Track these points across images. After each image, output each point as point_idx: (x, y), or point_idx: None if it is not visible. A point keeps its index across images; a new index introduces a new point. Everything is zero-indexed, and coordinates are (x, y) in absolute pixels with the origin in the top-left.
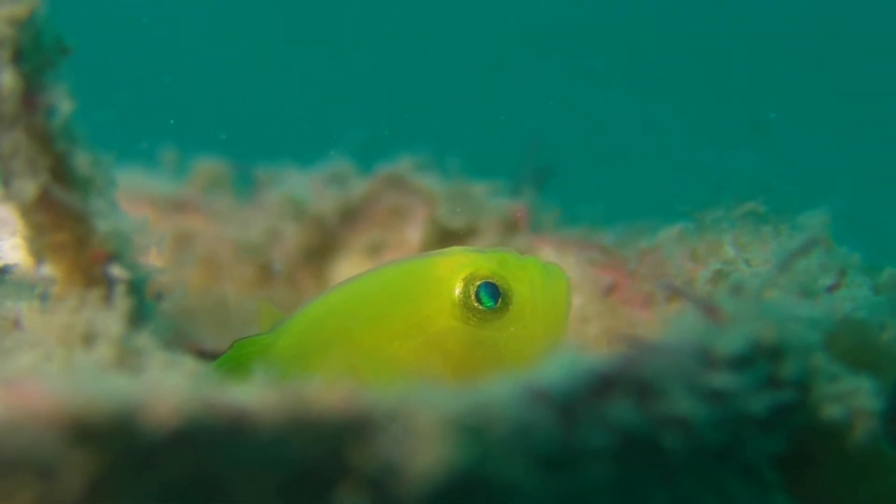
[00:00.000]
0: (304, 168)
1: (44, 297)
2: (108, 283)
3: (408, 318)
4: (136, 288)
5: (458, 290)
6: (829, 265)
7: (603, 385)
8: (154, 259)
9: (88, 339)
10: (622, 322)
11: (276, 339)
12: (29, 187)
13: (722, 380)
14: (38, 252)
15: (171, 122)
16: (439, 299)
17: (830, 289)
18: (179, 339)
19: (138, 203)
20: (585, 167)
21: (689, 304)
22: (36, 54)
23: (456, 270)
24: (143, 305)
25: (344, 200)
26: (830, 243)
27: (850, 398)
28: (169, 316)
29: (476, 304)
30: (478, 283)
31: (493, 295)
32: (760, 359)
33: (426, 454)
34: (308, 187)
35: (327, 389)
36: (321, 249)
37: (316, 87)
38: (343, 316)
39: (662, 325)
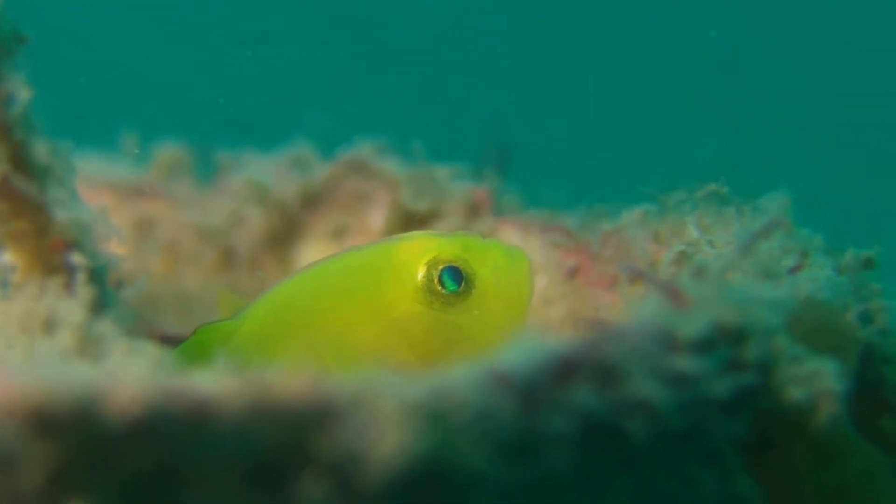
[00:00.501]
0: (266, 153)
1: (4, 286)
2: (69, 271)
3: (371, 303)
4: (97, 275)
5: (420, 275)
6: (791, 247)
7: (565, 369)
8: (115, 246)
9: (49, 326)
10: (586, 304)
11: (238, 325)
12: None
13: (685, 363)
14: None
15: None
16: (402, 283)
17: (793, 270)
18: (142, 326)
19: (99, 189)
20: (548, 151)
21: (652, 287)
22: None
23: (419, 254)
24: (105, 293)
25: (306, 185)
26: (791, 225)
27: (814, 380)
28: (131, 302)
29: (439, 288)
30: (441, 266)
31: (455, 278)
32: (723, 342)
33: (388, 441)
34: (270, 172)
35: (289, 377)
36: (284, 234)
37: (277, 72)
38: (306, 301)
39: (626, 307)
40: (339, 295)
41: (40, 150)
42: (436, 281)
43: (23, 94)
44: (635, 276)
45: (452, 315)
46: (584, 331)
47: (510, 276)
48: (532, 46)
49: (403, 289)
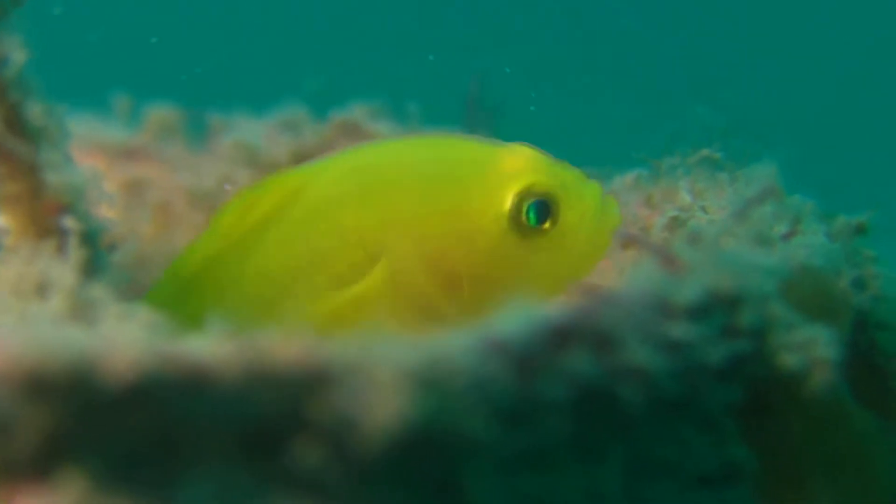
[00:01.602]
0: (258, 115)
1: None
2: (62, 235)
3: (450, 208)
4: (90, 239)
5: (509, 201)
6: (784, 213)
7: (560, 336)
8: (107, 209)
9: (42, 290)
10: None
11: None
12: None
13: (680, 330)
14: None
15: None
16: (489, 201)
17: (786, 237)
18: (134, 289)
19: (91, 152)
20: (541, 113)
21: (646, 252)
22: None
23: (514, 176)
24: (97, 256)
25: (298, 147)
26: (782, 192)
27: (808, 348)
28: (123, 266)
29: (524, 220)
30: (532, 199)
31: (542, 215)
32: (718, 308)
33: (384, 407)
34: (261, 134)
35: (285, 342)
36: None
37: (270, 34)
38: (385, 176)
39: (619, 273)
40: (419, 188)
41: (35, 112)
42: (523, 212)
43: (17, 56)
44: (628, 240)
45: (524, 247)
46: (578, 297)
47: (592, 229)
48: (524, 7)
49: (489, 205)
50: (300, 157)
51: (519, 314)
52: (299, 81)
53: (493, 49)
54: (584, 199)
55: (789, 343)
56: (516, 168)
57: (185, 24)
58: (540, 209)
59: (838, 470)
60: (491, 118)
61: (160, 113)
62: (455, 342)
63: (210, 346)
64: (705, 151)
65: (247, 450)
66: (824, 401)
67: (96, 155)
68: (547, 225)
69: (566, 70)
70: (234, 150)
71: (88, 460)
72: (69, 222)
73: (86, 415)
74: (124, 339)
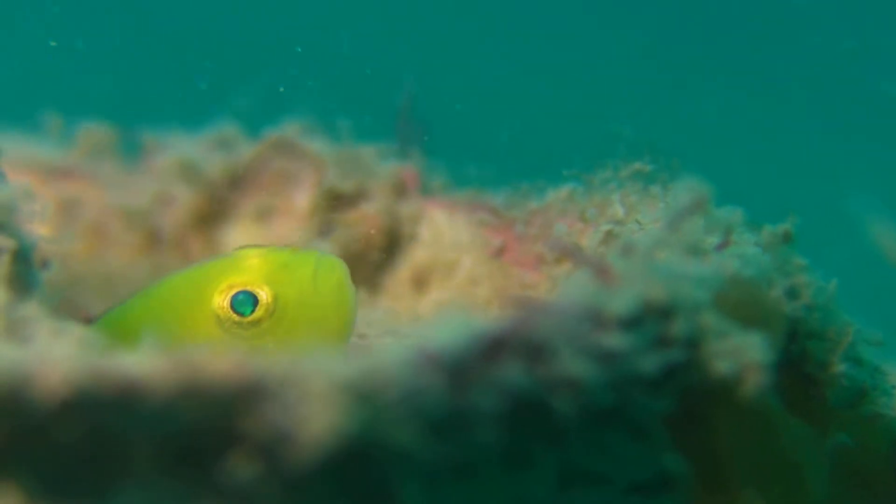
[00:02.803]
0: (191, 133)
1: None
2: None
3: (181, 327)
4: (22, 256)
5: (215, 300)
6: (715, 224)
7: (493, 348)
8: (39, 227)
9: None
10: (512, 284)
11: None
12: None
13: (612, 340)
14: None
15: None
16: (203, 308)
17: (719, 247)
18: (66, 307)
19: (22, 170)
20: (475, 127)
21: (580, 264)
22: None
23: (216, 279)
24: (30, 274)
25: (232, 165)
26: (709, 203)
27: (739, 353)
28: (56, 284)
29: (232, 314)
30: (232, 291)
31: (246, 303)
32: (650, 318)
33: (318, 420)
34: (195, 152)
35: (218, 357)
36: (210, 215)
37: (201, 50)
38: (137, 316)
39: (552, 286)
40: (161, 317)
41: None
42: (227, 306)
43: None
44: (562, 252)
45: (255, 339)
46: (511, 309)
47: (318, 292)
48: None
49: (205, 313)
50: (235, 175)
51: (452, 326)
52: (228, 98)
53: (428, 60)
54: (294, 270)
55: (721, 350)
56: (215, 273)
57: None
58: (243, 298)
59: (770, 478)
60: (422, 132)
61: (92, 131)
62: (388, 355)
63: (143, 361)
64: (637, 165)
65: (180, 463)
66: (755, 409)
67: (29, 174)
68: (259, 311)
69: (499, 83)
70: (168, 167)
71: (22, 475)
72: (0, 240)
73: (20, 431)
74: (57, 354)
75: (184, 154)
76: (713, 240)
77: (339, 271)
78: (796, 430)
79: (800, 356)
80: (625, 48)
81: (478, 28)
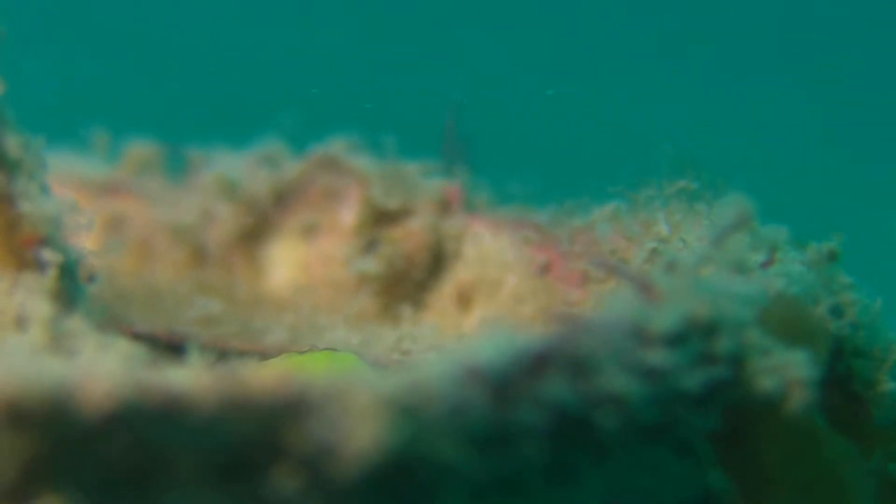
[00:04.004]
0: (237, 150)
1: None
2: (40, 267)
3: None
4: (68, 271)
5: None
6: (761, 242)
7: (537, 363)
8: (86, 242)
9: (20, 322)
10: (557, 301)
11: None
12: None
13: (656, 357)
14: None
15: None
16: None
17: (764, 265)
18: (112, 322)
19: (70, 187)
20: (521, 145)
21: (624, 281)
22: None
23: None
24: (76, 288)
25: (277, 182)
26: (755, 221)
27: (784, 370)
28: (102, 299)
29: None
30: None
31: None
32: (695, 335)
33: (362, 434)
34: (241, 169)
35: (263, 372)
36: (254, 231)
37: (249, 69)
38: None
39: (597, 303)
40: None
41: (11, 144)
42: None
43: None
44: (606, 269)
45: None
46: (555, 325)
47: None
48: (499, 34)
49: None
50: (280, 192)
51: (496, 341)
52: (275, 115)
53: (472, 76)
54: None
55: (766, 367)
56: None
57: (160, 59)
58: None
59: (814, 495)
60: (468, 149)
61: (139, 148)
62: (432, 369)
63: (188, 376)
64: (682, 182)
65: (224, 477)
66: (800, 426)
67: (76, 190)
68: None
69: (544, 99)
70: (213, 184)
71: (67, 488)
72: (47, 254)
73: (64, 444)
74: (102, 369)
75: (225, 172)
76: (758, 257)
77: (353, 360)
78: (842, 448)
79: (845, 374)
80: (673, 68)
81: (523, 45)
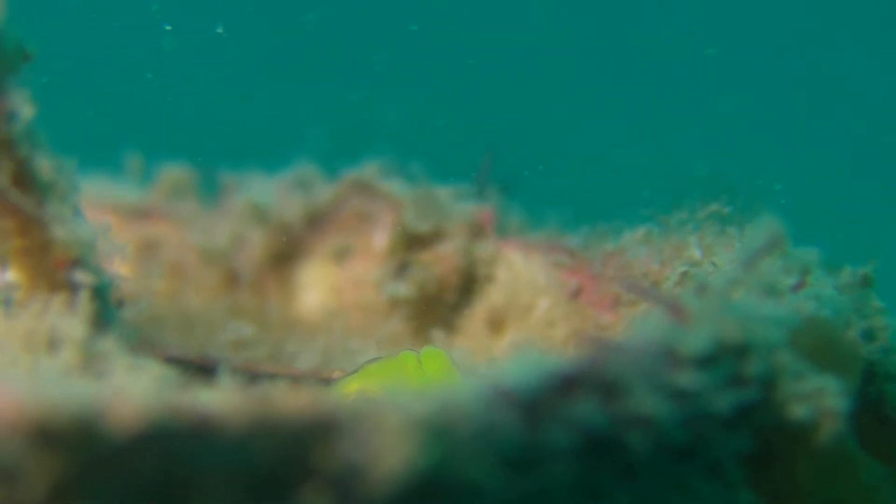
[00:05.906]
0: (270, 173)
1: (7, 303)
2: (73, 288)
3: None
4: (101, 293)
5: None
6: (792, 264)
7: (567, 384)
8: (119, 266)
9: (52, 344)
10: (589, 325)
11: None
12: None
13: (687, 379)
14: (2, 257)
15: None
16: None
17: (795, 288)
18: (144, 345)
19: (103, 211)
20: (548, 171)
21: (655, 304)
22: None
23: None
24: (108, 310)
25: (310, 205)
26: (787, 243)
27: (816, 398)
28: (134, 322)
29: None
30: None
31: None
32: (725, 357)
33: (391, 454)
34: (273, 192)
35: (292, 393)
36: (287, 255)
37: (281, 94)
38: None
39: (627, 325)
40: None
41: (44, 166)
42: None
43: (26, 110)
44: (637, 292)
45: None
46: (585, 347)
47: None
48: (532, 67)
49: None
50: (313, 215)
51: (526, 363)
52: (306, 138)
53: (506, 101)
54: (391, 373)
55: (798, 393)
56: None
57: (191, 83)
58: None
59: None
60: (504, 181)
61: (173, 172)
62: (463, 391)
63: (218, 397)
64: (715, 206)
65: (252, 496)
66: (832, 450)
67: (110, 214)
68: None
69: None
70: (245, 208)
71: None
72: (80, 276)
73: (93, 464)
74: (132, 389)
75: (257, 195)
76: (789, 280)
77: (442, 357)
78: (874, 472)
79: (877, 398)
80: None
81: (555, 68)
